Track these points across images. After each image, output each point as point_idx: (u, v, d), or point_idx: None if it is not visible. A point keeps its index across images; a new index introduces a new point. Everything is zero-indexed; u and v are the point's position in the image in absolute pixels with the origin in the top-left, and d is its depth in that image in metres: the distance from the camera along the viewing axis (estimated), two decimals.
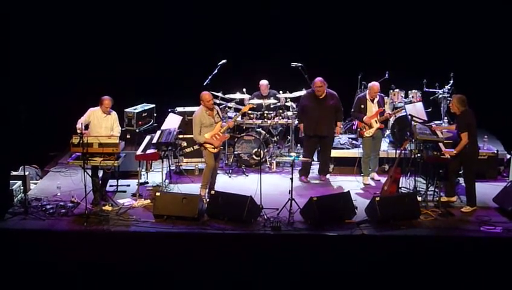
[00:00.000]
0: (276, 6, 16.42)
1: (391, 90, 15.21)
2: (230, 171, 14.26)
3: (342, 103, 14.48)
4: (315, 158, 14.23)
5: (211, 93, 12.85)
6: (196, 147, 13.90)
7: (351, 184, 13.46)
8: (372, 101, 13.55)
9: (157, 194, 11.83)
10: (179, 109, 14.53)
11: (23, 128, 11.66)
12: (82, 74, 15.92)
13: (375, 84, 13.57)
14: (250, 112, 14.31)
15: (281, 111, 14.69)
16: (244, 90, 15.27)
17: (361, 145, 14.07)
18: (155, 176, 13.80)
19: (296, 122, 14.43)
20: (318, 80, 13.46)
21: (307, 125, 13.67)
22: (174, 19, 16.50)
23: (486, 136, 14.35)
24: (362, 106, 13.58)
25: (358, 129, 13.88)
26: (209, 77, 14.37)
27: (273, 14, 16.49)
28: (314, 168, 14.13)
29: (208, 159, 12.56)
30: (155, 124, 14.81)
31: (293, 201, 11.63)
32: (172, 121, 13.63)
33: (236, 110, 14.88)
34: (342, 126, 13.92)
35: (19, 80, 15.34)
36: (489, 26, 16.10)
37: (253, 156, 14.35)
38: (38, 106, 14.76)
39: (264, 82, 15.17)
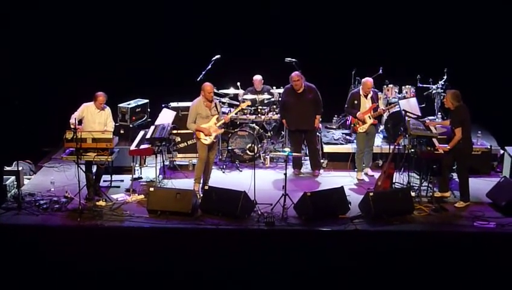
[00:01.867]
0: (274, 2, 16.40)
1: (385, 86, 15.21)
2: (224, 166, 14.25)
3: (336, 98, 14.56)
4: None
5: None
6: (190, 142, 13.91)
7: (345, 179, 13.46)
8: (366, 96, 13.54)
9: (151, 189, 11.82)
10: (173, 104, 14.56)
11: (17, 124, 11.66)
12: (77, 69, 15.85)
13: (368, 80, 13.57)
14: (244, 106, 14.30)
15: (274, 106, 14.70)
16: (239, 84, 15.27)
17: (355, 141, 14.09)
18: (149, 171, 13.78)
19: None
20: (295, 74, 13.51)
21: (289, 121, 13.75)
22: (172, 16, 16.47)
23: (480, 132, 14.37)
24: (356, 102, 13.57)
25: (352, 125, 13.88)
26: (203, 72, 14.35)
27: (269, 11, 16.46)
28: (308, 163, 14.13)
29: (200, 151, 12.56)
30: (149, 119, 14.78)
31: (286, 196, 11.63)
32: (166, 116, 13.64)
33: (230, 105, 14.88)
34: (320, 119, 13.86)
35: (14, 76, 15.31)
36: (483, 22, 16.08)
37: (247, 152, 14.34)
38: (32, 101, 14.74)
39: (257, 77, 15.16)
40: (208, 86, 12.51)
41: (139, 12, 16.38)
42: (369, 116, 13.47)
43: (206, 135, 12.44)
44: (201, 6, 16.42)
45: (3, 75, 14.44)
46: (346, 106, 13.91)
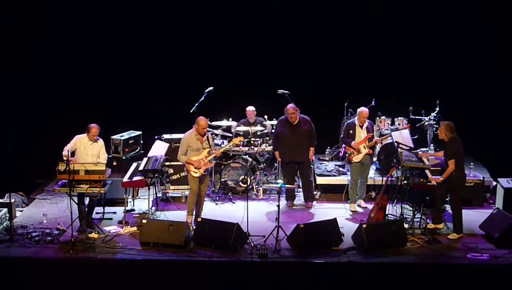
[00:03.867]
0: (267, 29, 16.48)
1: (378, 118, 15.25)
2: (217, 198, 14.22)
3: (328, 130, 14.62)
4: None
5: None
6: (183, 174, 13.89)
7: (338, 211, 13.43)
8: (361, 126, 13.58)
9: (144, 221, 11.78)
10: (166, 136, 14.56)
11: (11, 156, 11.64)
12: (69, 100, 15.87)
13: (364, 110, 13.59)
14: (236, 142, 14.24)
15: (267, 138, 14.71)
16: (231, 119, 15.32)
17: (348, 172, 14.10)
18: (141, 203, 13.75)
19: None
20: (290, 106, 13.54)
21: (282, 152, 13.73)
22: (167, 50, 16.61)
23: (472, 163, 14.40)
24: (351, 132, 13.60)
25: (347, 155, 13.88)
26: (196, 104, 14.37)
27: (263, 46, 16.56)
28: (301, 194, 14.12)
29: (191, 183, 12.54)
30: (142, 151, 14.77)
31: (279, 228, 11.60)
32: (158, 148, 13.63)
33: (223, 137, 14.90)
34: (313, 151, 13.87)
35: (6, 107, 15.33)
36: (475, 54, 16.19)
37: (240, 183, 14.34)
38: (24, 132, 14.73)
39: (250, 108, 15.18)
40: (202, 120, 12.47)
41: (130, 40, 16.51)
42: (364, 146, 13.49)
43: (195, 168, 12.41)
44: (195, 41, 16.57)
45: None
46: (341, 136, 13.95)
